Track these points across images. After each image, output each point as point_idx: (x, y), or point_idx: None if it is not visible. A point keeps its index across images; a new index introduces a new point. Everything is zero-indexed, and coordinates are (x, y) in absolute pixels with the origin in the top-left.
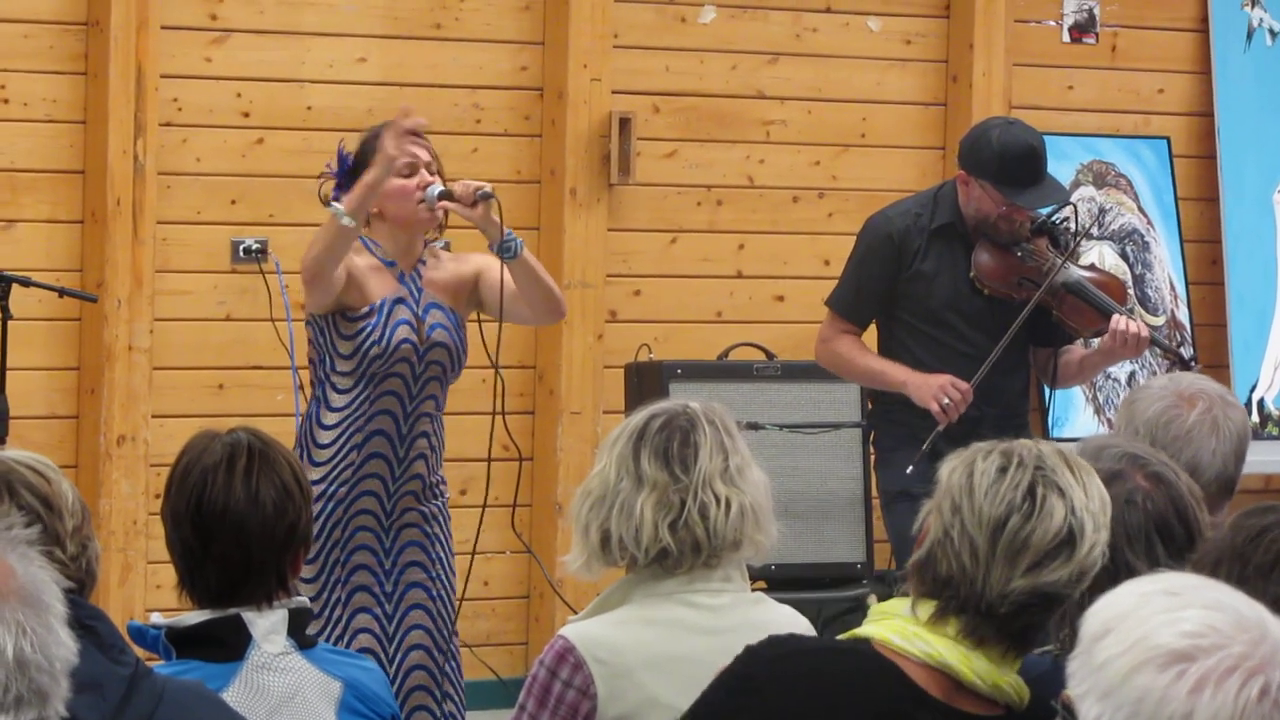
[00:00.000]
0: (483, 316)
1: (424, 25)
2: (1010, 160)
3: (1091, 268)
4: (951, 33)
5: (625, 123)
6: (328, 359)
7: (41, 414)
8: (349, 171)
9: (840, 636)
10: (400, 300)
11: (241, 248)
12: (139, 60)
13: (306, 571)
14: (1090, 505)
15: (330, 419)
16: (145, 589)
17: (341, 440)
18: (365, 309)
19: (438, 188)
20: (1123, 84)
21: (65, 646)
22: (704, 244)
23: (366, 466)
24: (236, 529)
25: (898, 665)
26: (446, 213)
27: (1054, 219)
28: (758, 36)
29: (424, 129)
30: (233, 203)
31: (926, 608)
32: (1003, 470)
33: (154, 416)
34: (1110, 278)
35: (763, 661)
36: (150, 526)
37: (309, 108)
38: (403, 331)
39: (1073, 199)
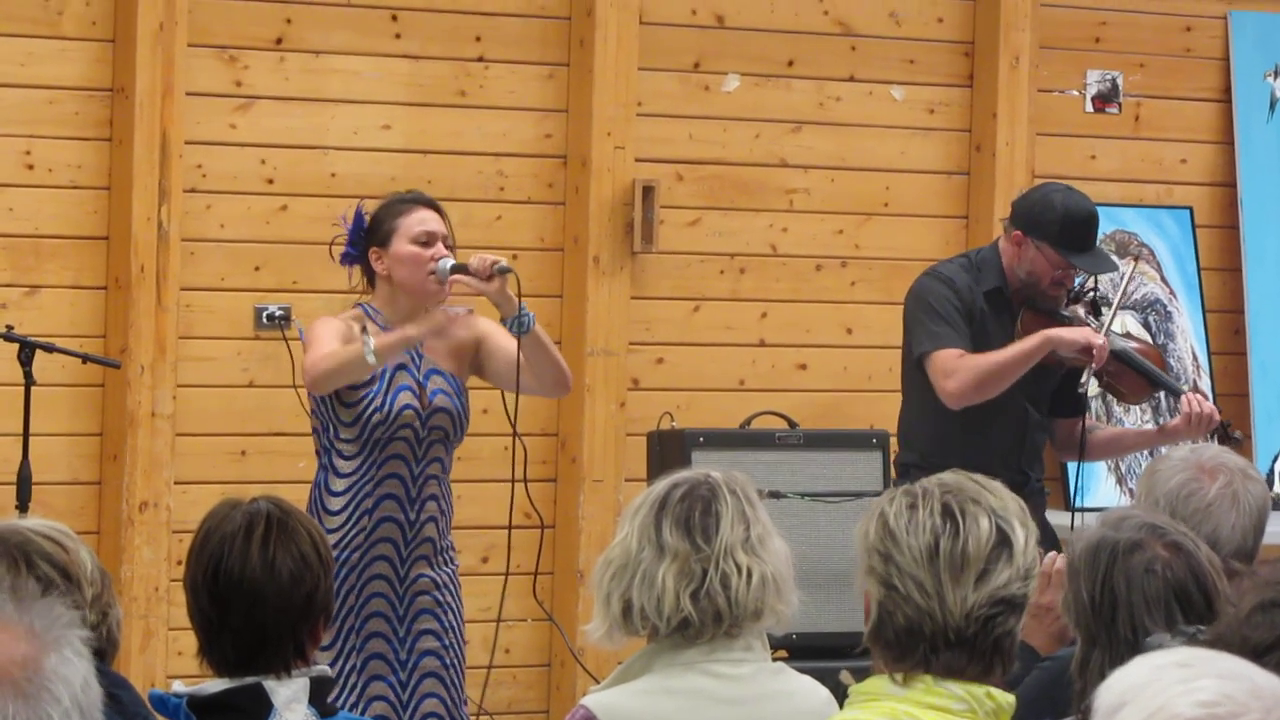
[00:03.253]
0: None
1: (448, 93)
2: (1073, 224)
3: (1128, 336)
4: (975, 102)
5: (649, 191)
6: (331, 427)
7: (64, 479)
8: (361, 233)
9: None
10: (402, 367)
11: (265, 314)
12: (164, 126)
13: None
14: (1009, 506)
15: (339, 485)
16: (167, 656)
17: (351, 506)
18: (366, 378)
19: (450, 261)
20: (1145, 154)
21: None
22: (727, 312)
23: (379, 531)
24: (252, 598)
25: None
26: (450, 288)
27: (1087, 289)
28: (781, 105)
29: (459, 317)
30: (256, 269)
31: (901, 674)
32: (913, 506)
33: (176, 483)
34: (1150, 347)
35: None
36: (172, 593)
37: (333, 174)
38: (404, 398)
39: (1121, 268)
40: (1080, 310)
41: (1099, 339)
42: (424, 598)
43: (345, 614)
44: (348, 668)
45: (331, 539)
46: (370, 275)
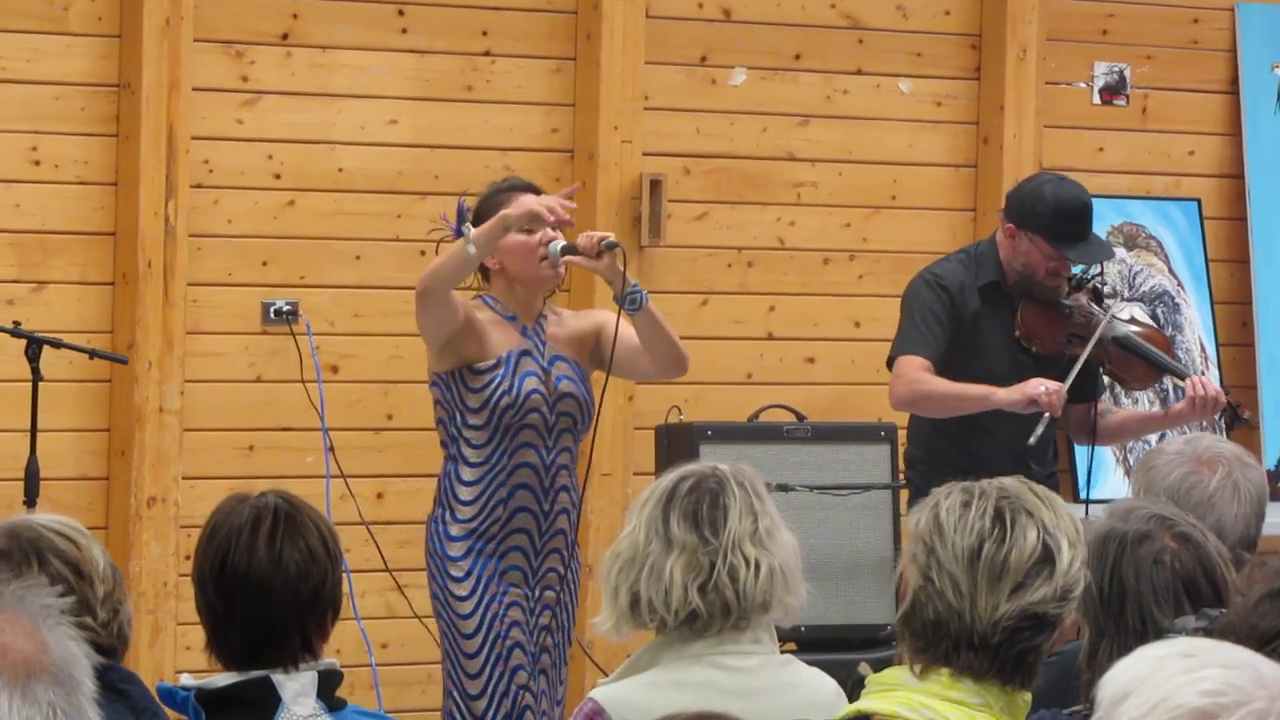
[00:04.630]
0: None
1: (455, 87)
2: (1064, 215)
3: (1133, 321)
4: (982, 95)
5: (656, 185)
6: (457, 414)
7: (72, 475)
8: (466, 229)
9: (839, 714)
10: (526, 353)
11: (272, 309)
12: (170, 122)
13: (466, 627)
14: (1061, 524)
15: (470, 474)
16: (175, 650)
17: (485, 496)
18: (492, 361)
19: (560, 243)
20: (1153, 146)
21: None
22: (734, 306)
23: (514, 521)
24: (259, 591)
25: None
26: (567, 268)
27: (1089, 275)
28: (789, 98)
29: (568, 208)
30: (264, 264)
31: (919, 665)
32: (966, 504)
33: (184, 478)
34: (1154, 331)
35: None
36: (180, 588)
37: (340, 169)
38: (531, 383)
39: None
40: (1083, 299)
41: (1039, 390)
42: (549, 593)
43: (488, 601)
44: (494, 655)
45: (463, 529)
46: (484, 272)
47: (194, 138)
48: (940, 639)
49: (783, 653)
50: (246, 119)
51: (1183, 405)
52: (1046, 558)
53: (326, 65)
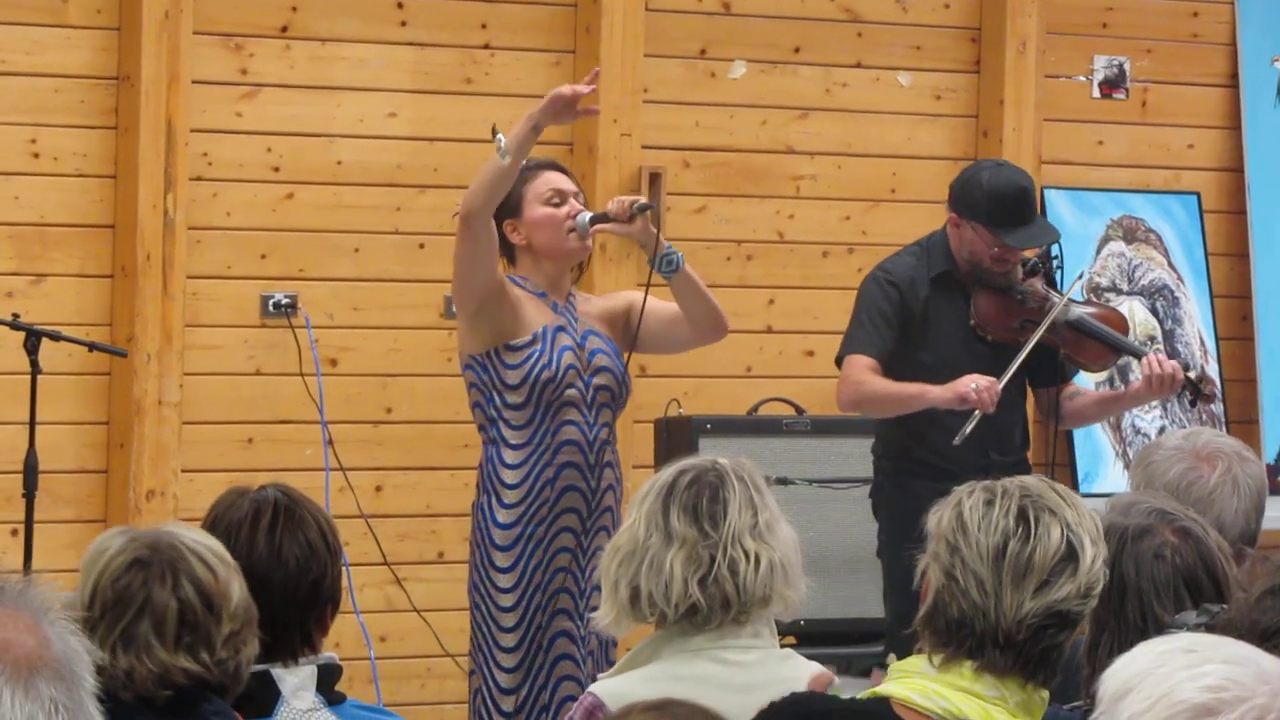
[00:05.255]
0: None
1: (454, 80)
2: (1001, 201)
3: (1090, 302)
4: (982, 88)
5: (655, 178)
6: (495, 395)
7: (71, 468)
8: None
9: (861, 695)
10: (561, 329)
11: (271, 302)
12: (169, 115)
13: (505, 620)
14: (1083, 522)
15: (513, 457)
16: None
17: (532, 478)
18: (529, 337)
19: (588, 214)
20: (1153, 139)
21: None
22: (734, 299)
23: (563, 501)
24: (258, 585)
25: None
26: (593, 240)
27: (1042, 260)
28: (788, 91)
29: (593, 102)
30: (263, 257)
31: (940, 656)
32: (990, 503)
33: (183, 471)
34: (1110, 311)
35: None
36: None
37: (339, 162)
38: (568, 357)
39: (1060, 239)
40: (1037, 284)
41: (968, 389)
42: (598, 573)
43: (531, 592)
44: (533, 647)
45: (511, 515)
46: (510, 253)
47: (193, 130)
48: (965, 637)
49: (782, 647)
50: (246, 112)
51: (1139, 384)
52: (1070, 555)
53: (326, 58)
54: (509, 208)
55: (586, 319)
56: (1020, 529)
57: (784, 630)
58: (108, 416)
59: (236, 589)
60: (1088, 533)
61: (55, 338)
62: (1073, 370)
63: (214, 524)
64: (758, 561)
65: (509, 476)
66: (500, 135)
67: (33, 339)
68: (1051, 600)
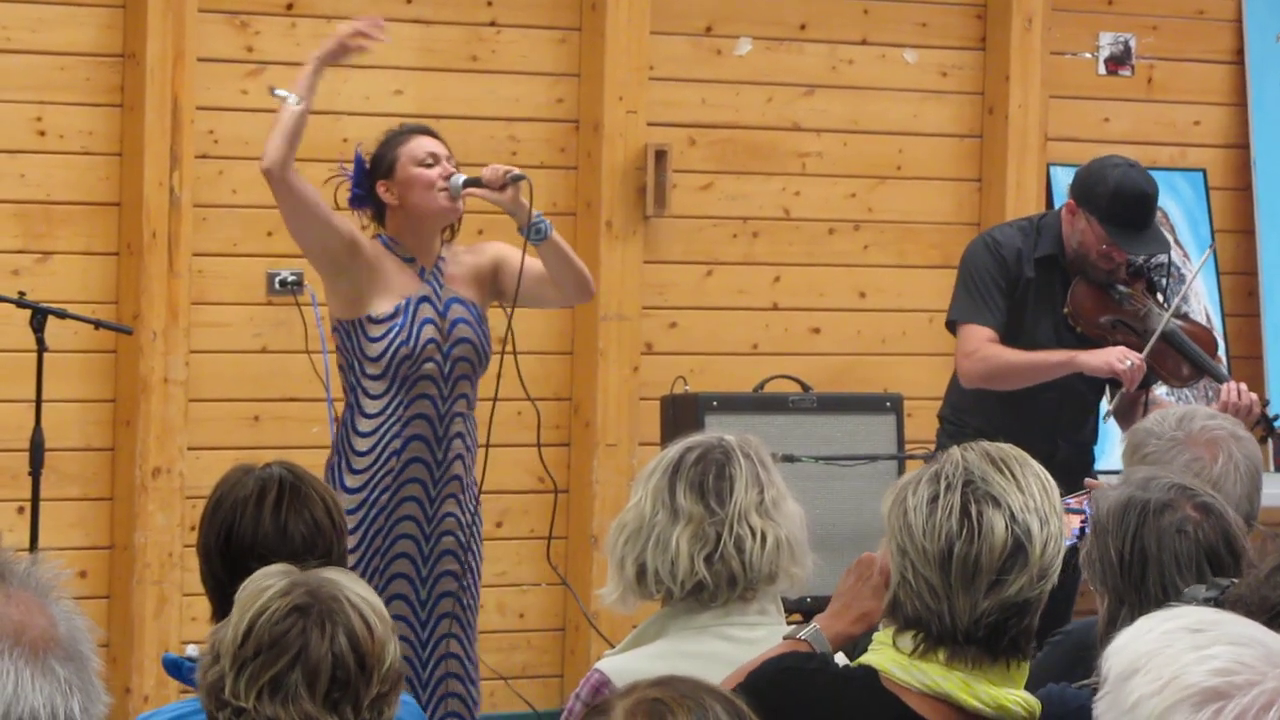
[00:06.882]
0: (517, 348)
1: (460, 58)
2: (1121, 201)
3: (1184, 317)
4: (988, 65)
5: (661, 155)
6: (356, 364)
7: (77, 446)
8: (364, 172)
9: (853, 662)
10: (424, 299)
11: (277, 280)
12: (175, 92)
13: None
14: (1030, 503)
15: (366, 425)
16: (181, 621)
17: (380, 446)
18: (391, 309)
19: (462, 177)
20: (1159, 116)
21: (103, 703)
22: (740, 276)
23: (407, 471)
24: (264, 563)
25: (899, 698)
26: (464, 203)
27: (1149, 265)
28: (794, 68)
29: (378, 38)
30: (269, 235)
31: (906, 640)
32: (934, 499)
33: (189, 449)
34: (1201, 329)
35: (773, 684)
36: (185, 559)
37: (345, 140)
38: (428, 331)
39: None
40: (1140, 289)
41: (1124, 364)
42: (448, 538)
43: (370, 555)
44: None
45: (359, 479)
46: (379, 213)
47: (199, 108)
48: (926, 636)
49: (789, 624)
50: (251, 89)
51: (1214, 409)
52: (1018, 548)
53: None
54: (383, 168)
55: (453, 284)
56: (964, 530)
57: (790, 607)
58: (114, 394)
59: (391, 650)
60: (1036, 515)
61: (61, 315)
62: (1152, 378)
63: (219, 501)
64: (764, 538)
65: (359, 444)
66: (279, 90)
67: (39, 317)
68: (1005, 597)
